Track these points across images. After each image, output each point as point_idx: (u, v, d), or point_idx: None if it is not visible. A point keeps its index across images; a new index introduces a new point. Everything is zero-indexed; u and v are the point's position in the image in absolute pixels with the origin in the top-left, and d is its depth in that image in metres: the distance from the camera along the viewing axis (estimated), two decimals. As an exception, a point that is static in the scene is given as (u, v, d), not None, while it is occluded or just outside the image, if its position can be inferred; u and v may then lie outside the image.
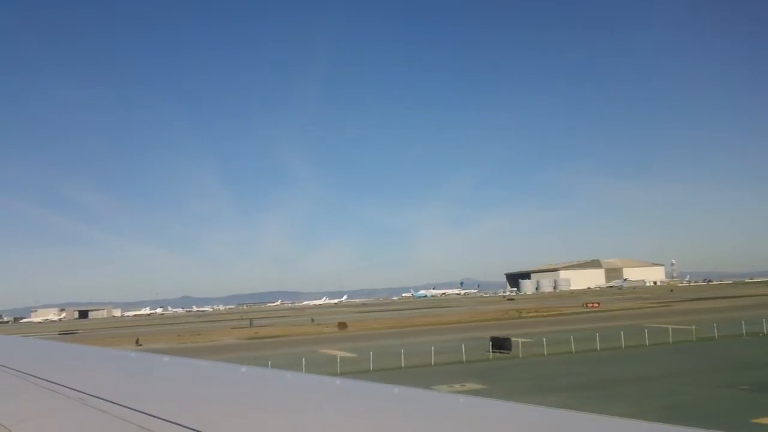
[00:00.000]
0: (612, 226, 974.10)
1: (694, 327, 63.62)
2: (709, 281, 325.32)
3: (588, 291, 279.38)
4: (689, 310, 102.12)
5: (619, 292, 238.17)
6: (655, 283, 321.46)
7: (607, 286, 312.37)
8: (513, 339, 57.84)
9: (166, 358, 6.61)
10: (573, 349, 52.60)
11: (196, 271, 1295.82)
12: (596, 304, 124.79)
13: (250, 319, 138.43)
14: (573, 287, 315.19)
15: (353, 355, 58.38)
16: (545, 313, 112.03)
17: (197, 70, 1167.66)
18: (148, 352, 11.83)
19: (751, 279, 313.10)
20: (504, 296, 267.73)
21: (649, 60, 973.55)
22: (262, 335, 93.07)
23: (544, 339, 55.80)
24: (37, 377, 5.05)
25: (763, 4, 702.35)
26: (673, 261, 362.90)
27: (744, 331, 60.05)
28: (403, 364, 49.08)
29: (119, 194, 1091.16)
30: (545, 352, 51.63)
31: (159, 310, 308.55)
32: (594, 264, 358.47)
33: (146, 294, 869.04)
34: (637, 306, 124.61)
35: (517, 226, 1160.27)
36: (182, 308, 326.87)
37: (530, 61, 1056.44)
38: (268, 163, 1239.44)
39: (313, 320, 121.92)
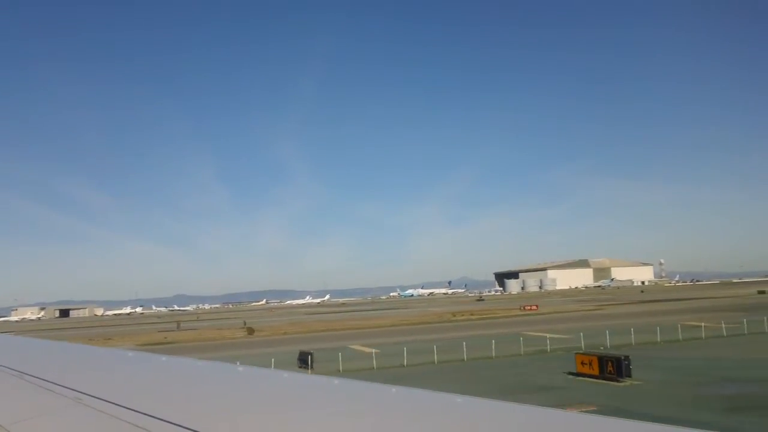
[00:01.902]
0: (607, 226, 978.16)
1: (568, 336, 60.75)
2: (697, 281, 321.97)
3: (572, 290, 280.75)
4: (615, 315, 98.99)
5: (596, 292, 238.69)
6: (643, 282, 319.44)
7: (594, 286, 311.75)
8: (366, 349, 55.21)
9: (163, 358, 6.60)
10: (374, 365, 48.78)
11: (192, 269, 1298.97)
12: (534, 307, 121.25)
13: (178, 322, 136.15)
14: (559, 287, 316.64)
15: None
16: (476, 317, 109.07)
17: (195, 67, 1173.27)
18: (144, 352, 13.13)
19: (739, 279, 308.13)
20: (478, 296, 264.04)
21: (647, 60, 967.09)
22: (170, 341, 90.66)
23: (374, 351, 53.77)
24: (33, 376, 5.10)
25: (762, 4, 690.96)
26: (662, 261, 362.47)
27: (607, 343, 56.74)
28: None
29: (114, 191, 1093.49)
30: (341, 368, 47.33)
31: (139, 309, 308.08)
32: (582, 264, 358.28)
33: (141, 292, 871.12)
34: (574, 309, 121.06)
35: (513, 224, 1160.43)
36: (165, 307, 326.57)
37: (529, 60, 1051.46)
38: (265, 160, 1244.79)
39: (245, 324, 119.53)
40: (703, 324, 66.02)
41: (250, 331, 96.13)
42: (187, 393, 4.38)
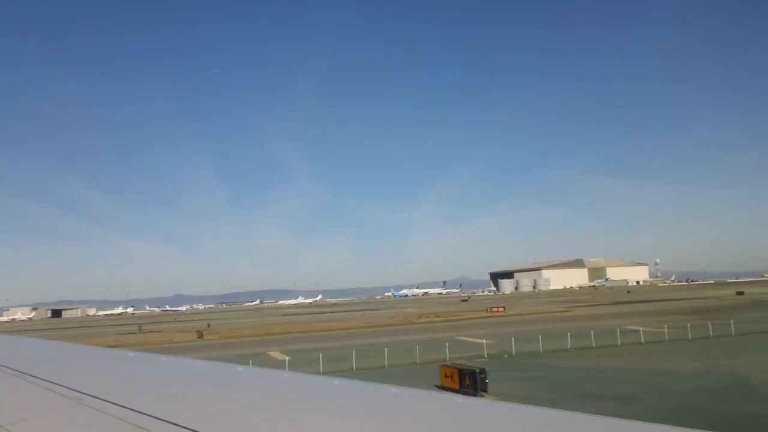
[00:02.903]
0: (605, 225, 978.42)
1: (495, 342, 58.76)
2: (692, 281, 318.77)
3: (565, 290, 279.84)
4: (579, 317, 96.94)
5: (586, 292, 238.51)
6: (637, 282, 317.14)
7: (589, 286, 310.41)
8: (280, 356, 53.45)
9: (164, 358, 6.54)
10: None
11: (191, 268, 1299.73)
12: (501, 309, 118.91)
13: (140, 325, 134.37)
14: (553, 287, 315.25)
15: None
16: (440, 319, 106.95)
17: (193, 66, 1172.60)
18: (145, 352, 10.17)
19: (735, 279, 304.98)
20: (465, 297, 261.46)
21: (644, 59, 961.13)
22: (118, 344, 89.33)
23: (287, 359, 53.16)
24: (34, 376, 5.10)
25: (762, 4, 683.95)
26: (657, 261, 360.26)
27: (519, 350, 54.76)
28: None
29: (113, 190, 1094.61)
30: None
31: (130, 310, 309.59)
32: (577, 263, 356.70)
33: (140, 292, 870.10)
34: (542, 311, 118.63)
35: (513, 223, 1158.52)
36: (158, 307, 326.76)
37: (526, 60, 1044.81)
38: (264, 159, 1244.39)
39: (209, 325, 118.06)
40: (641, 329, 64.08)
41: (200, 334, 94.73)
42: (187, 393, 4.37)
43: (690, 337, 60.26)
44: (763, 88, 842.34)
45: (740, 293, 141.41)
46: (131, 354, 7.78)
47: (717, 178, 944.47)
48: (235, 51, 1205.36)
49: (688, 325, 63.87)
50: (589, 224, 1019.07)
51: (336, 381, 4.37)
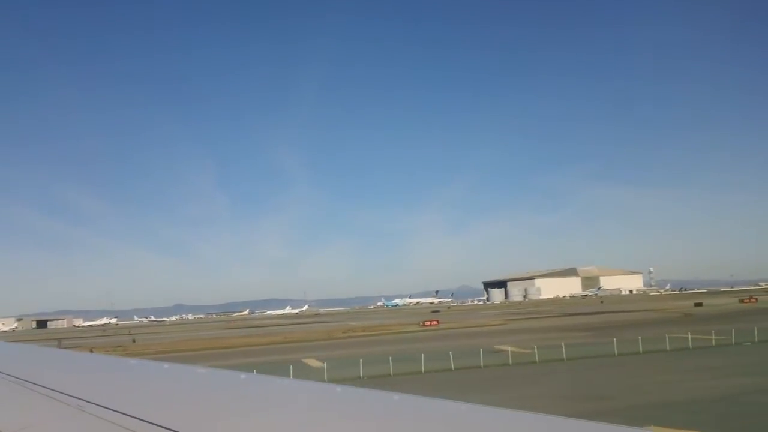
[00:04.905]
0: (605, 233, 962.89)
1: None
2: (685, 290, 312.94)
3: (556, 299, 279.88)
4: (502, 331, 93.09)
5: (568, 302, 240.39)
6: (631, 291, 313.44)
7: (581, 295, 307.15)
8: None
9: (165, 365, 6.57)
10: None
11: (191, 278, 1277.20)
12: (435, 322, 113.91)
13: (59, 339, 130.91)
14: (545, 296, 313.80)
15: None
16: (362, 333, 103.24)
17: (193, 71, 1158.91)
18: (146, 359, 8.35)
19: (730, 288, 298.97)
20: (434, 308, 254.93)
21: (646, 61, 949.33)
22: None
23: None
24: (35, 384, 5.09)
25: (759, 6, 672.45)
26: (651, 269, 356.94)
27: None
28: None
29: (111, 197, 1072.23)
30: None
31: (114, 320, 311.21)
32: (570, 272, 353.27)
33: (138, 302, 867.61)
34: (476, 324, 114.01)
35: (515, 231, 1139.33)
36: (145, 317, 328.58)
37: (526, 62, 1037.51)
38: (265, 165, 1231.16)
39: (134, 341, 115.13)
40: (509, 349, 59.64)
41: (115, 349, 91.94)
42: (189, 400, 4.37)
43: (565, 357, 55.82)
44: (764, 93, 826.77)
45: (698, 305, 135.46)
46: (133, 361, 7.65)
47: (717, 182, 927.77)
48: (234, 55, 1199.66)
49: (563, 343, 59.31)
50: (589, 232, 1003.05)
51: (338, 388, 4.36)
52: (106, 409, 3.82)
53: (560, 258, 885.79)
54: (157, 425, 3.29)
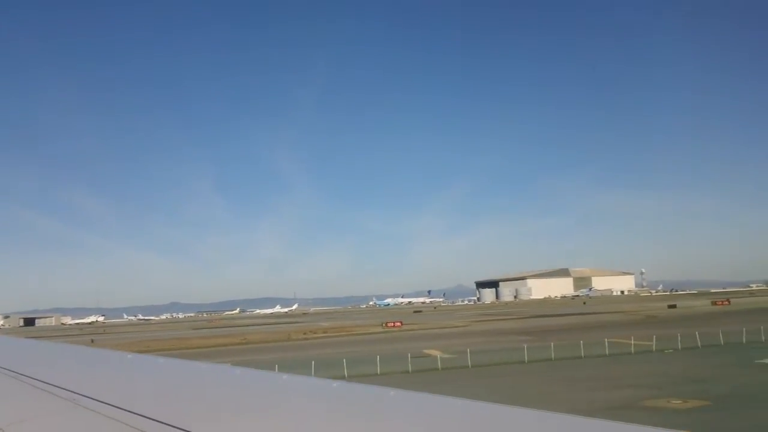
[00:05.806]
0: (601, 235, 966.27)
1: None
2: (675, 291, 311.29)
3: (546, 300, 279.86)
4: (463, 333, 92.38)
5: (556, 303, 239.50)
6: (622, 292, 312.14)
7: (573, 296, 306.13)
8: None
9: (160, 360, 6.49)
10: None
11: (188, 276, 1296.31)
12: (398, 324, 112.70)
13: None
14: (536, 296, 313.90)
15: None
16: (323, 335, 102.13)
17: (193, 74, 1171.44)
18: (141, 354, 8.61)
19: (723, 289, 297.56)
20: (416, 309, 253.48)
21: (647, 68, 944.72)
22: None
23: None
24: (29, 377, 5.04)
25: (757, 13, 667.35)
26: (643, 270, 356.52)
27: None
28: None
29: (111, 198, 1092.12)
30: None
31: (101, 319, 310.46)
32: (563, 273, 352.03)
33: (134, 300, 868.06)
34: (440, 326, 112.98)
35: (511, 233, 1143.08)
36: (134, 316, 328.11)
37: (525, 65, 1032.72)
38: (264, 168, 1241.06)
39: (93, 341, 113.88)
40: (439, 354, 58.67)
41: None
42: (185, 395, 4.33)
43: (483, 363, 54.66)
44: (762, 97, 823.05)
45: (672, 306, 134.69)
46: (128, 355, 7.59)
47: (712, 186, 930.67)
48: (234, 59, 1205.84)
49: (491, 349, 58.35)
50: (586, 234, 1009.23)
51: (335, 384, 4.36)
52: (101, 403, 3.81)
53: (556, 259, 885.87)
54: (150, 419, 3.27)
